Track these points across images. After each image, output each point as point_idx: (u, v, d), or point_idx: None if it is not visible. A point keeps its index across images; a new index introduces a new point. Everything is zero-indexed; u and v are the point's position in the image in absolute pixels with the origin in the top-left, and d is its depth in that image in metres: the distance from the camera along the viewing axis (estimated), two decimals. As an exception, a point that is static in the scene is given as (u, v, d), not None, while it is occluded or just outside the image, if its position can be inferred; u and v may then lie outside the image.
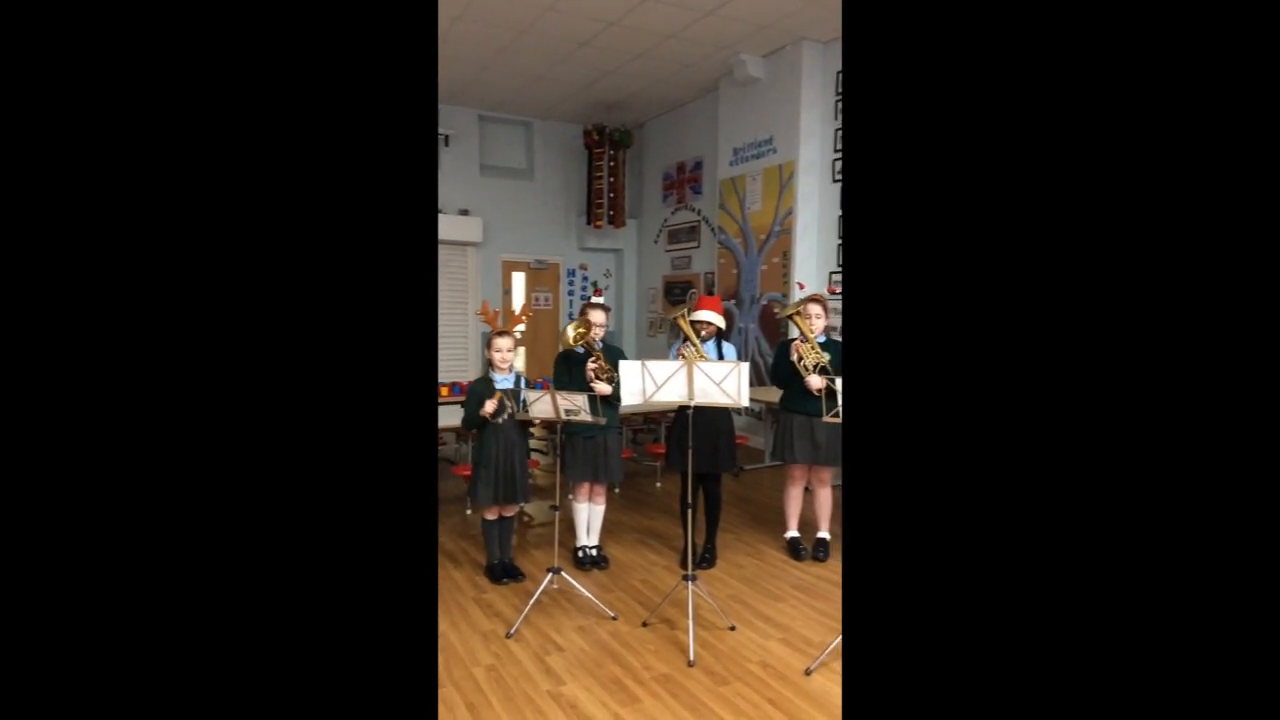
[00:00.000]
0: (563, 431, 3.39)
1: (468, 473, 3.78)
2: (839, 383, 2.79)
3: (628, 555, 3.85)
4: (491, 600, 3.25)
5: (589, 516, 3.67)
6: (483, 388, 3.30)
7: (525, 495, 3.48)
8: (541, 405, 3.02)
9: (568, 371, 3.46)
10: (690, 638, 2.75)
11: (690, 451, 3.11)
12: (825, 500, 3.82)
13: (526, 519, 4.53)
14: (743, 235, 6.78)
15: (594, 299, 3.63)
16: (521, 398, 3.18)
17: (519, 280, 8.61)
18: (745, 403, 2.81)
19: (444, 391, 5.42)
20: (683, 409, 3.38)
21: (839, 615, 3.04)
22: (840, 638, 2.69)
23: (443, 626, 2.96)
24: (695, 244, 7.91)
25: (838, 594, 3.29)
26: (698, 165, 7.80)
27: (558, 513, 3.45)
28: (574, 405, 2.93)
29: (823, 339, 3.61)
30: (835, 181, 6.03)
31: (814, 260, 6.20)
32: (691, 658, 2.67)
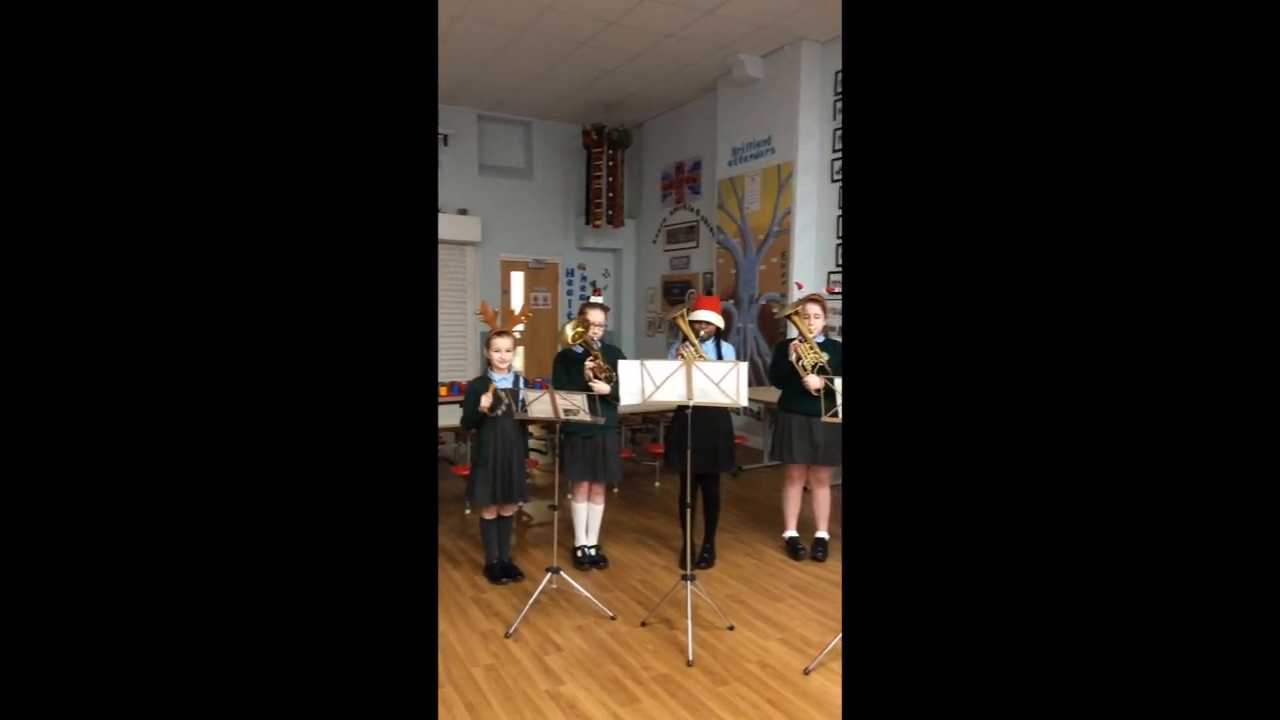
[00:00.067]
0: (561, 431, 3.39)
1: (466, 472, 3.78)
2: (837, 382, 2.79)
3: (626, 555, 3.86)
4: (490, 600, 3.25)
5: (588, 516, 3.67)
6: (481, 387, 3.30)
7: (523, 495, 3.48)
8: (540, 405, 3.02)
9: (566, 371, 3.46)
10: (689, 637, 2.75)
11: (689, 451, 3.11)
12: (824, 500, 3.82)
13: (525, 519, 4.53)
14: (741, 235, 6.78)
15: (593, 299, 3.63)
16: (520, 397, 3.18)
17: (518, 280, 8.61)
18: (744, 402, 2.81)
19: (443, 391, 5.41)
20: (681, 409, 3.38)
21: (838, 615, 3.04)
22: (839, 637, 2.69)
23: (442, 626, 2.96)
24: (694, 244, 7.91)
25: (836, 594, 3.29)
26: (696, 165, 7.80)
27: (556, 512, 3.45)
28: (573, 405, 2.93)
29: (821, 339, 3.61)
30: (834, 181, 6.04)
31: (812, 260, 6.20)
32: (690, 657, 2.67)
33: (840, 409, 2.71)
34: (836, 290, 5.83)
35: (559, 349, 3.59)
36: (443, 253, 7.86)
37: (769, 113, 6.34)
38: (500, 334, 3.35)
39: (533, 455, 4.77)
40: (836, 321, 5.53)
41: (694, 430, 3.20)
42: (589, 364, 3.40)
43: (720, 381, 2.76)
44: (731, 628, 2.95)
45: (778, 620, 3.05)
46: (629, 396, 2.88)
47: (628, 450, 5.13)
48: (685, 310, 3.55)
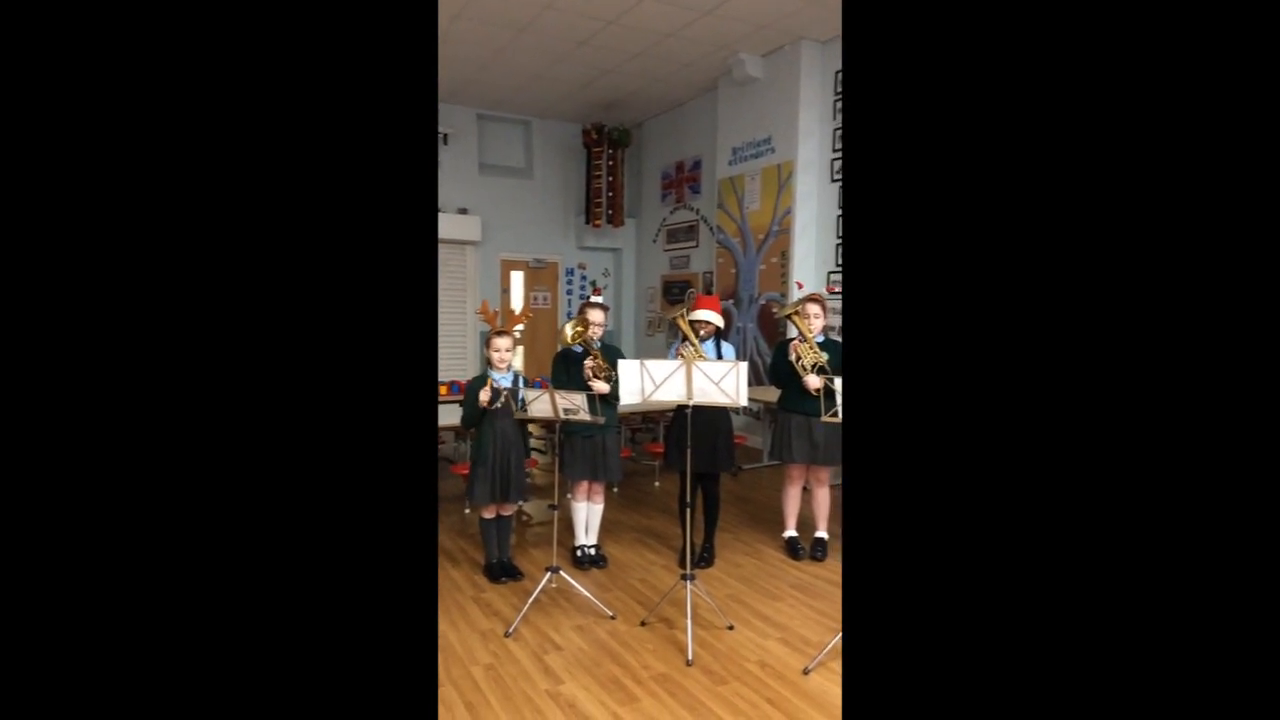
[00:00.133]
0: (561, 430, 3.39)
1: (466, 471, 3.78)
2: (837, 382, 2.79)
3: (626, 554, 3.86)
4: (490, 599, 3.25)
5: (587, 516, 3.67)
6: (481, 386, 3.30)
7: (523, 494, 3.48)
8: (540, 404, 3.02)
9: (566, 370, 3.46)
10: (689, 637, 2.75)
11: (689, 451, 3.11)
12: (823, 500, 3.83)
13: (525, 518, 4.53)
14: (741, 235, 6.78)
15: (593, 298, 3.63)
16: (520, 396, 3.18)
17: (518, 279, 8.61)
18: (744, 402, 2.81)
19: (443, 390, 5.41)
20: (681, 408, 3.38)
21: (837, 615, 3.04)
22: (838, 637, 2.69)
23: (441, 625, 2.96)
24: (694, 243, 7.91)
25: (836, 593, 3.29)
26: (696, 164, 7.80)
27: (556, 512, 3.45)
28: (573, 404, 2.93)
29: (821, 338, 3.61)
30: (834, 181, 6.04)
31: (812, 260, 6.20)
32: (690, 657, 2.67)
33: (840, 409, 2.71)
34: (836, 290, 5.83)
35: (559, 348, 3.59)
36: (442, 252, 7.86)
37: (769, 112, 6.34)
38: (500, 333, 3.35)
39: (532, 455, 4.77)
40: (836, 321, 5.53)
41: (694, 430, 3.20)
42: (588, 363, 3.40)
43: (720, 381, 2.76)
44: (731, 627, 2.96)
45: (777, 620, 3.05)
46: (629, 396, 2.88)
47: (627, 450, 5.13)
48: (685, 310, 3.55)
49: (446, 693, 2.45)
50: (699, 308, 3.57)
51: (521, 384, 3.37)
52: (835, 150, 6.01)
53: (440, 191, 7.74)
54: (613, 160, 8.34)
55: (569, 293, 8.84)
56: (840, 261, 5.98)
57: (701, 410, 3.29)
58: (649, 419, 5.88)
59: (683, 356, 3.06)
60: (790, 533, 3.89)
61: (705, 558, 3.69)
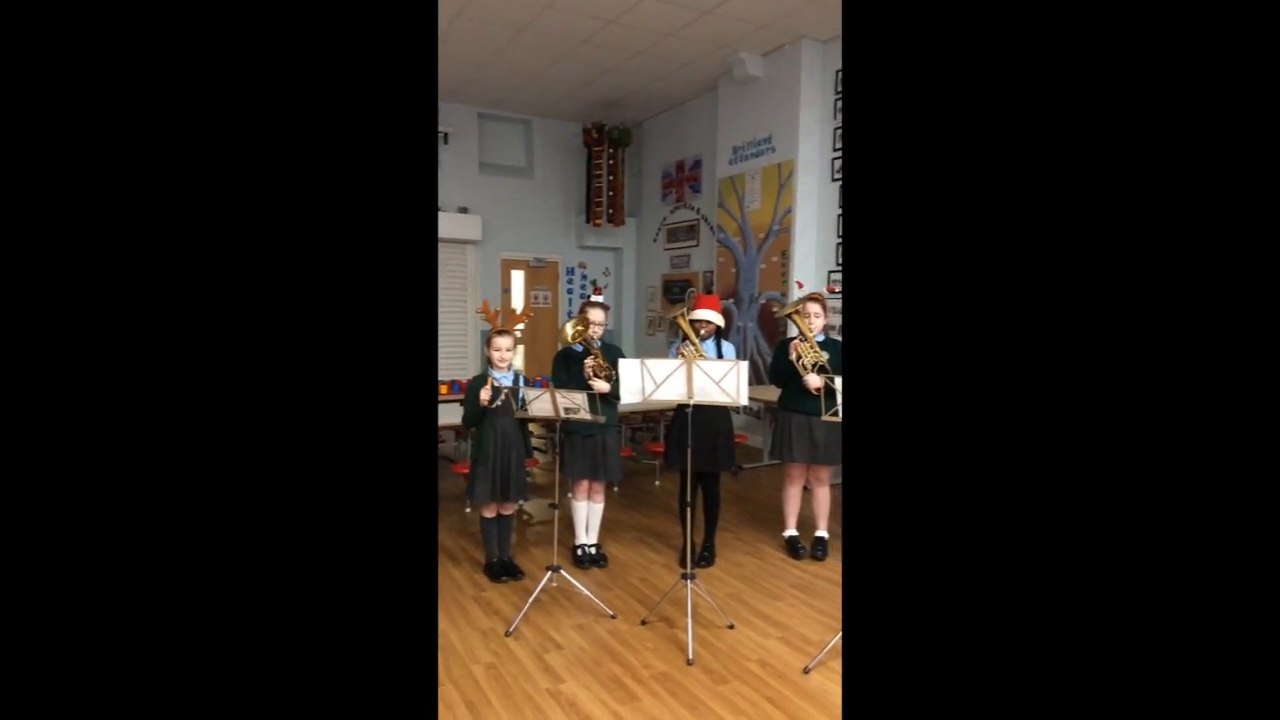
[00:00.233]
0: (561, 430, 3.40)
1: (466, 470, 3.78)
2: (838, 381, 2.79)
3: (627, 554, 3.86)
4: (490, 598, 3.25)
5: (588, 515, 3.67)
6: (482, 385, 3.30)
7: (523, 493, 3.48)
8: (541, 404, 3.02)
9: (566, 370, 3.46)
10: (689, 636, 2.75)
11: (689, 450, 3.11)
12: (824, 499, 3.83)
13: (525, 517, 4.53)
14: (742, 234, 6.78)
15: (593, 298, 3.63)
16: (521, 395, 3.18)
17: (518, 278, 8.61)
18: (744, 401, 2.81)
19: (443, 389, 5.41)
20: (682, 407, 3.38)
21: (837, 614, 3.04)
22: (839, 636, 2.69)
23: (442, 625, 2.96)
24: (694, 242, 7.91)
25: (836, 593, 3.30)
26: (697, 164, 7.80)
27: (557, 511, 3.45)
28: (573, 404, 2.93)
29: (821, 338, 3.61)
30: (834, 180, 6.03)
31: (813, 259, 6.20)
32: (690, 656, 2.68)
33: (840, 408, 2.71)
34: (837, 289, 5.83)
35: (559, 348, 3.59)
36: (443, 251, 7.86)
37: (769, 111, 6.33)
38: (501, 332, 3.35)
39: (533, 454, 4.77)
40: (837, 320, 5.53)
41: (694, 429, 3.20)
42: (589, 362, 3.40)
43: (721, 380, 2.76)
44: (731, 626, 2.96)
45: (778, 619, 3.05)
46: (630, 395, 2.88)
47: (628, 449, 5.13)
48: (685, 309, 3.55)
49: (447, 691, 2.46)
50: (699, 307, 3.57)
51: (522, 383, 3.37)
52: (836, 149, 6.01)
53: (441, 191, 7.73)
54: (613, 159, 8.34)
55: (569, 292, 8.84)
56: (841, 261, 5.97)
57: (702, 409, 3.29)
58: (649, 418, 5.88)
59: (683, 356, 3.06)
60: (790, 532, 3.90)
61: (706, 557, 3.70)
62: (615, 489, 5.09)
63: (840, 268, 5.97)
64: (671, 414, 4.12)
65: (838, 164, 5.99)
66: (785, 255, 6.26)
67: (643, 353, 8.04)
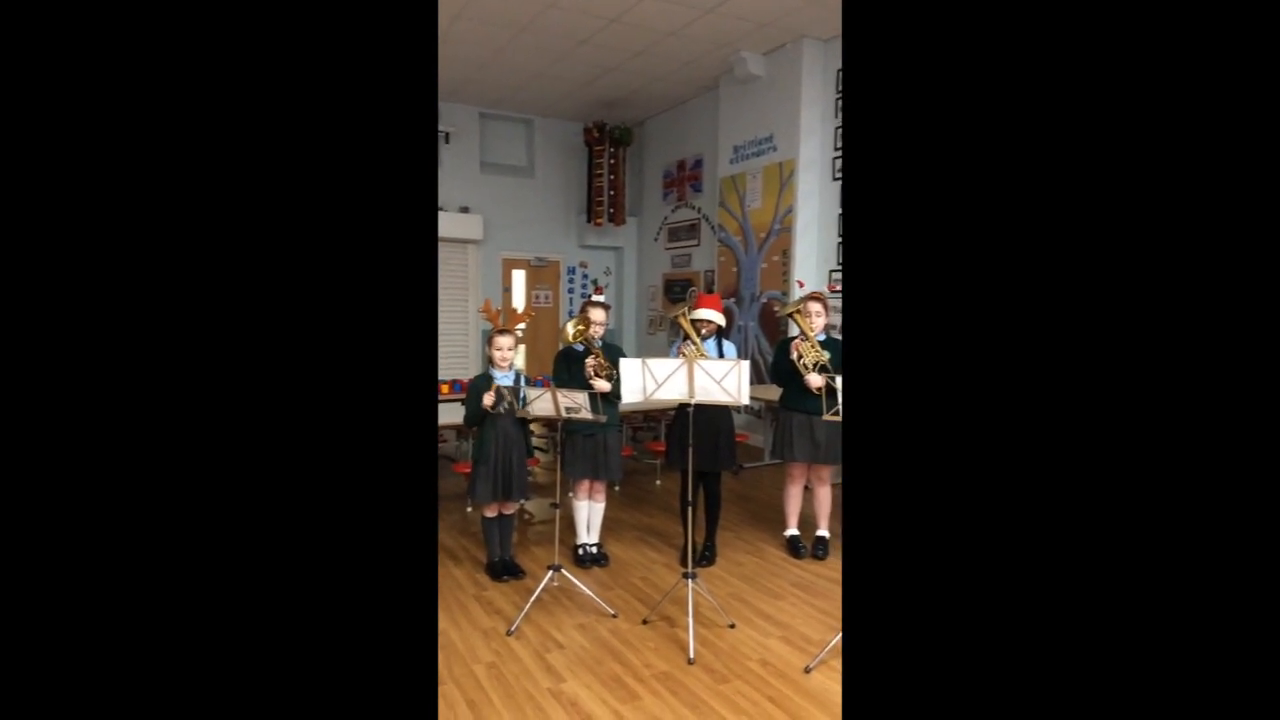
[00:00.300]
0: (563, 429, 3.40)
1: (468, 470, 3.78)
2: (839, 381, 2.79)
3: (628, 553, 3.86)
4: (492, 598, 3.26)
5: (589, 514, 3.67)
6: (483, 384, 3.30)
7: (524, 493, 3.48)
8: (542, 403, 3.02)
9: (567, 369, 3.46)
10: (690, 635, 2.76)
11: (690, 449, 3.11)
12: (825, 498, 3.83)
13: (527, 516, 4.53)
14: (743, 233, 6.78)
15: (594, 297, 3.63)
16: (522, 395, 3.19)
17: (519, 278, 8.61)
18: (745, 401, 2.81)
19: (444, 389, 5.41)
20: (683, 407, 3.38)
21: (838, 613, 3.04)
22: (840, 635, 2.69)
23: (443, 624, 2.97)
24: (695, 242, 7.91)
25: (837, 592, 3.30)
26: (698, 163, 7.80)
27: (558, 510, 3.45)
28: (575, 403, 2.93)
29: (823, 337, 3.61)
30: (835, 179, 6.03)
31: (814, 258, 6.20)
32: (691, 655, 2.68)
33: (841, 407, 2.71)
34: (838, 288, 5.83)
35: (560, 347, 3.59)
36: (444, 251, 7.86)
37: (771, 110, 6.33)
38: (502, 332, 3.35)
39: (534, 453, 4.77)
40: (838, 320, 5.53)
41: (695, 428, 3.20)
42: (589, 361, 3.40)
43: (722, 380, 2.76)
44: (733, 626, 2.96)
45: (779, 618, 3.05)
46: (631, 395, 2.88)
47: (629, 448, 5.13)
48: (687, 308, 3.55)
49: (449, 691, 2.46)
50: (700, 306, 3.57)
51: (523, 382, 3.37)
52: (837, 148, 6.01)
53: (442, 190, 7.74)
54: (614, 159, 8.33)
55: (570, 291, 8.84)
56: (841, 260, 5.97)
57: (703, 409, 3.29)
58: (650, 417, 5.89)
59: (684, 355, 3.06)
60: (792, 531, 3.90)
61: (707, 556, 3.70)
62: (616, 488, 5.09)
63: (841, 267, 5.97)
64: (673, 413, 4.12)
65: (839, 163, 5.99)
66: (786, 254, 6.26)
67: (644, 352, 8.04)
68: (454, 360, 7.98)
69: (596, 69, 6.74)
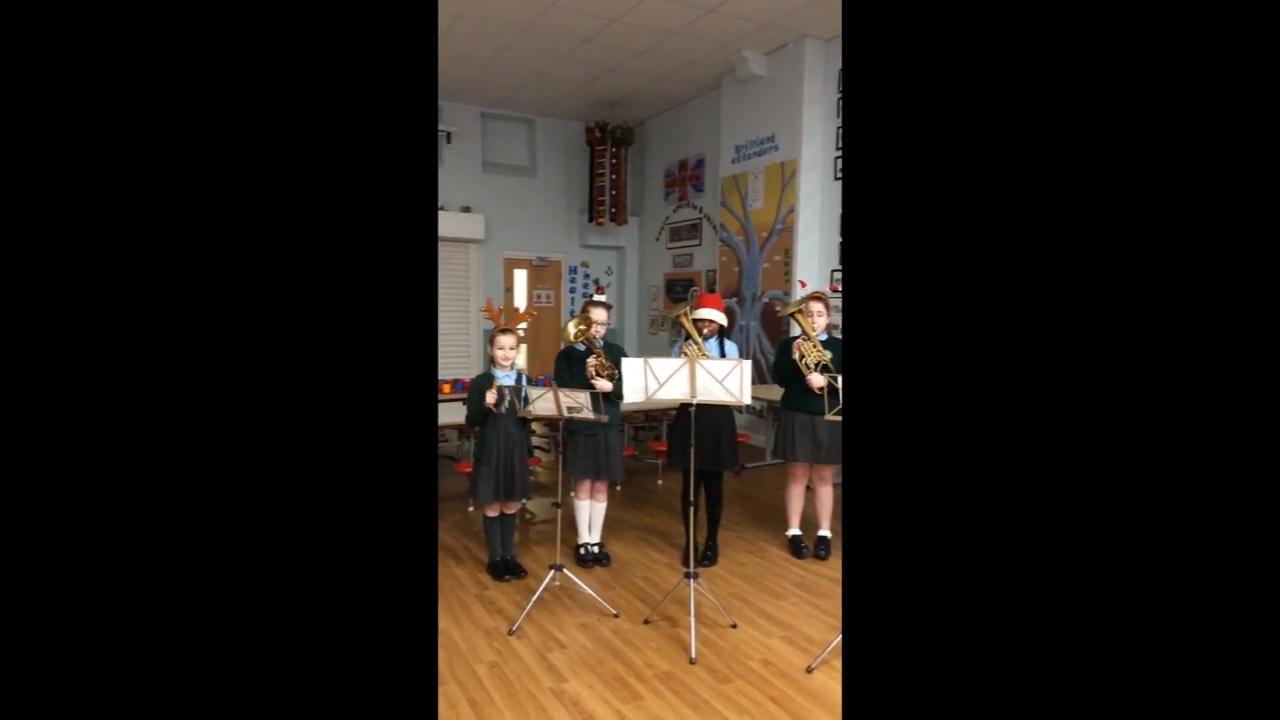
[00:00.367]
0: (564, 429, 3.40)
1: (470, 469, 3.78)
2: (840, 381, 2.79)
3: (629, 553, 3.86)
4: (494, 597, 3.26)
5: (590, 514, 3.67)
6: (485, 384, 3.30)
7: (526, 492, 3.48)
8: (544, 403, 3.02)
9: (569, 369, 3.46)
10: (692, 635, 2.76)
11: (692, 449, 3.11)
12: (826, 498, 3.82)
13: (528, 516, 4.53)
14: (744, 233, 6.77)
15: (596, 297, 3.63)
16: (524, 394, 3.19)
17: (521, 277, 8.61)
18: (747, 400, 2.81)
19: (445, 388, 5.42)
20: (685, 407, 3.38)
21: (840, 613, 3.04)
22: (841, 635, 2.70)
23: (445, 623, 2.97)
24: (697, 241, 7.90)
25: (839, 592, 3.29)
26: (699, 163, 7.79)
27: (559, 510, 3.45)
28: (576, 403, 2.93)
29: (824, 337, 3.61)
30: (837, 179, 6.02)
31: (816, 258, 6.19)
32: (693, 655, 2.68)
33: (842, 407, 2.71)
34: (840, 288, 5.82)
35: (561, 347, 3.59)
36: (446, 250, 7.87)
37: (772, 110, 6.33)
38: (504, 331, 3.35)
39: (536, 453, 4.77)
40: (840, 319, 5.52)
41: (697, 428, 3.20)
42: (590, 361, 3.40)
43: (724, 379, 2.76)
44: (734, 625, 2.96)
45: (780, 618, 3.05)
46: (633, 394, 2.88)
47: (630, 448, 5.13)
48: (688, 308, 3.55)
49: (450, 690, 2.46)
50: (702, 306, 3.57)
51: (525, 382, 3.37)
52: (839, 148, 6.00)
53: (443, 190, 7.74)
54: (616, 158, 8.33)
55: (572, 291, 8.84)
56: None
57: (705, 409, 3.29)
58: (652, 417, 5.88)
59: (686, 355, 3.06)
60: (794, 531, 3.89)
61: (708, 556, 3.70)
62: (618, 488, 5.09)
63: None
64: (674, 413, 4.12)
65: (841, 163, 5.98)
66: (788, 254, 6.25)
67: (645, 352, 8.04)
68: (456, 360, 7.98)
69: (598, 69, 6.74)
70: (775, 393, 4.24)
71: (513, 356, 3.38)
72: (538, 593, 3.10)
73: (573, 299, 8.80)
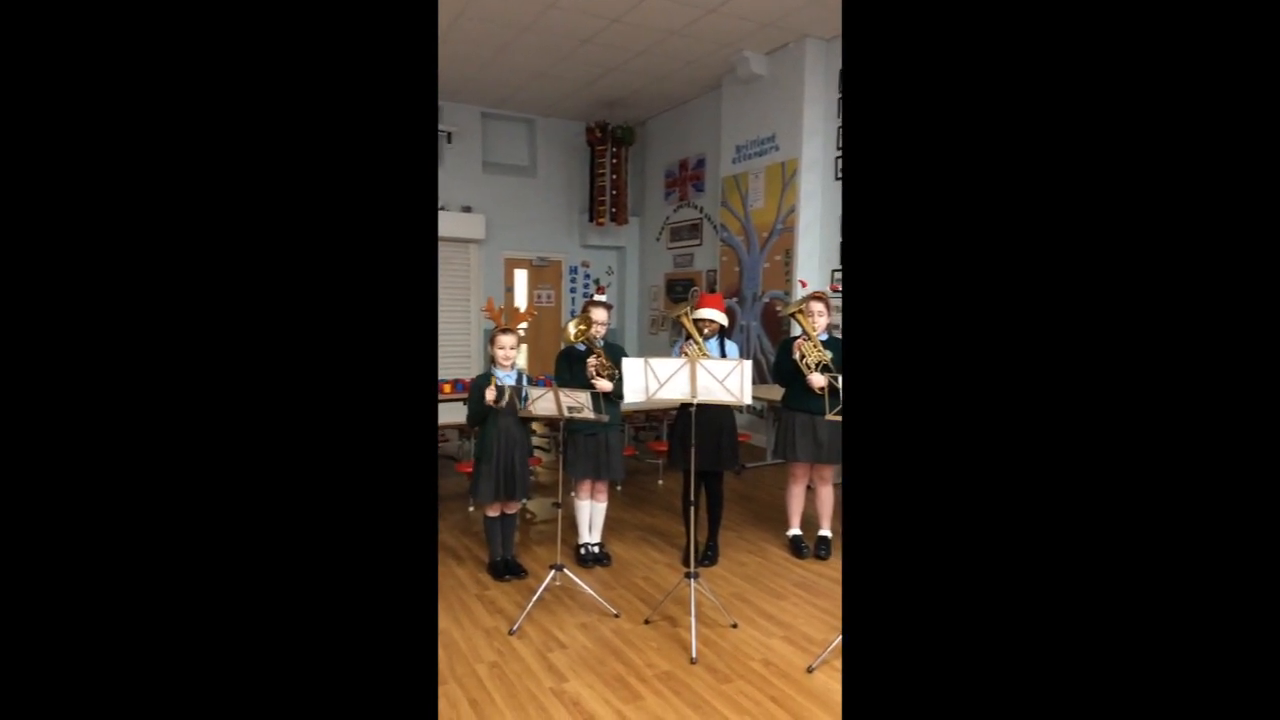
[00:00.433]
0: (564, 429, 3.40)
1: (470, 469, 3.78)
2: (841, 380, 2.79)
3: (630, 553, 3.86)
4: (494, 597, 3.26)
5: (591, 514, 3.67)
6: (485, 383, 3.30)
7: (526, 492, 3.48)
8: (544, 403, 3.02)
9: (569, 369, 3.46)
10: (693, 635, 2.76)
11: (693, 449, 3.11)
12: (827, 498, 3.82)
13: (529, 516, 4.53)
14: (745, 233, 6.77)
15: (596, 297, 3.63)
16: (524, 394, 3.19)
17: (521, 277, 8.61)
18: (748, 400, 2.81)
19: (446, 388, 5.42)
20: (685, 406, 3.38)
21: (841, 613, 3.04)
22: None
23: (445, 623, 2.97)
24: (697, 241, 7.90)
25: (839, 592, 3.29)
26: (700, 162, 7.79)
27: (560, 510, 3.45)
28: (577, 403, 2.93)
29: (825, 337, 3.61)
30: (838, 179, 6.02)
31: (816, 258, 6.19)
32: (694, 655, 2.68)
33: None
34: (840, 288, 5.82)
35: (562, 347, 3.59)
36: (446, 250, 7.87)
37: (773, 110, 6.33)
38: (504, 331, 3.35)
39: (536, 453, 4.78)
40: (840, 319, 5.52)
41: (697, 428, 3.20)
42: (591, 361, 3.40)
43: (724, 379, 2.76)
44: (735, 625, 2.96)
45: (781, 618, 3.05)
46: (633, 394, 2.88)
47: (631, 448, 5.13)
48: (689, 308, 3.55)
49: (451, 690, 2.46)
50: (702, 306, 3.57)
51: (526, 382, 3.37)
52: (839, 148, 6.00)
53: (444, 190, 7.74)
54: (616, 158, 8.33)
55: (572, 291, 8.84)
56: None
57: (705, 408, 3.29)
58: (652, 417, 5.88)
59: (687, 355, 3.06)
60: (794, 531, 3.89)
61: (709, 556, 3.69)
62: (618, 488, 5.09)
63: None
64: (675, 413, 4.12)
65: (841, 163, 5.98)
66: (789, 254, 6.25)
67: (646, 352, 8.04)
68: (456, 360, 7.98)
69: (598, 68, 6.74)
70: (776, 393, 4.24)
71: (513, 356, 3.38)
72: (538, 593, 3.10)
73: (573, 299, 8.80)
